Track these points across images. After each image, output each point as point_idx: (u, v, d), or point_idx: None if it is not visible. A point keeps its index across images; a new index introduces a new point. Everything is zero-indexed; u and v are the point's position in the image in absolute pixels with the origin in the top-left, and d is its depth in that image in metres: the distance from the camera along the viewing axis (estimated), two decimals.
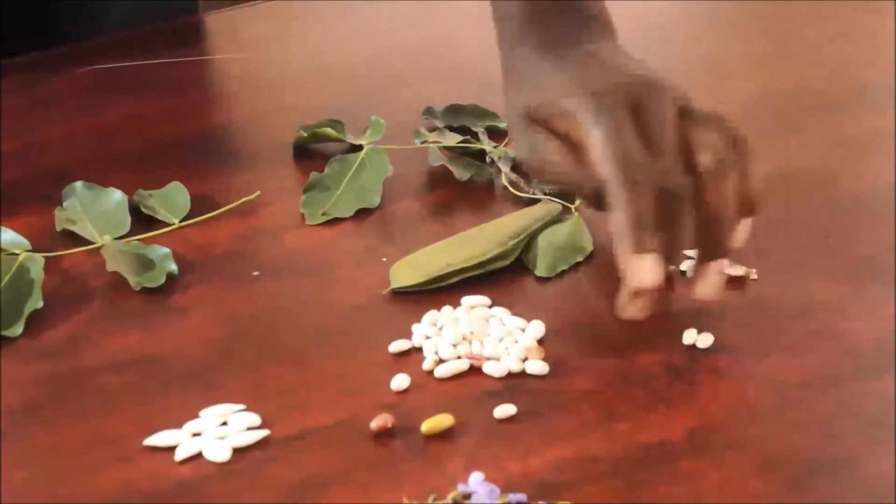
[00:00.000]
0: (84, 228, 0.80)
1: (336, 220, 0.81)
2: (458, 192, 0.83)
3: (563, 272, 0.77)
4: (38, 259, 0.77)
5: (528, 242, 0.78)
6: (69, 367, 0.72)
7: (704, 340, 0.72)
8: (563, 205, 0.80)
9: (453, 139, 0.86)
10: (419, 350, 0.72)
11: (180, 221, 0.81)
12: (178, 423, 0.68)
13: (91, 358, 0.72)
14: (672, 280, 0.71)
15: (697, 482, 0.64)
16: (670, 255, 0.69)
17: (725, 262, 0.70)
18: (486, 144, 0.86)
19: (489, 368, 0.70)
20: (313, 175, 0.83)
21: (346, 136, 0.87)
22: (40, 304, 0.75)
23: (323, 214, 0.82)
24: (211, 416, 0.68)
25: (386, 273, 0.76)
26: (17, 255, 0.77)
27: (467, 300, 0.74)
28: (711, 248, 0.70)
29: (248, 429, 0.67)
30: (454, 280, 0.76)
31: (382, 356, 0.72)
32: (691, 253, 0.75)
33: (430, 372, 0.70)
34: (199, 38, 1.02)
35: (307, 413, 0.68)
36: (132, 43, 0.99)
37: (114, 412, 0.69)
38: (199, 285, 0.77)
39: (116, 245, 0.79)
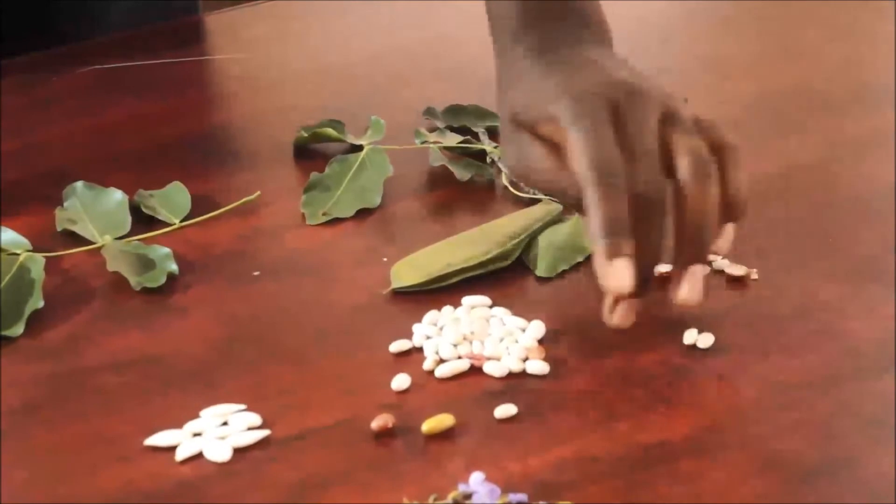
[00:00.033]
0: (85, 228, 0.80)
1: (336, 220, 0.82)
2: (459, 192, 0.83)
3: (564, 272, 0.77)
4: (39, 259, 0.77)
5: (529, 242, 0.78)
6: (69, 367, 0.72)
7: (705, 340, 0.72)
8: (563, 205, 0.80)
9: (454, 139, 0.86)
10: (420, 350, 0.72)
11: (181, 221, 0.81)
12: (178, 423, 0.68)
13: (91, 358, 0.72)
14: (648, 285, 0.70)
15: (698, 482, 0.64)
16: (645, 260, 0.68)
17: (705, 267, 0.69)
18: (487, 145, 0.86)
19: (490, 368, 0.70)
20: (314, 175, 0.83)
21: (347, 136, 0.87)
22: (41, 303, 0.75)
23: (323, 214, 0.82)
24: (211, 415, 0.68)
25: (386, 273, 0.76)
26: (18, 255, 0.77)
27: (468, 300, 0.74)
28: (692, 253, 0.69)
29: (249, 429, 0.67)
30: (455, 280, 0.76)
31: (383, 356, 0.72)
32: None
33: (431, 372, 0.70)
34: (199, 39, 1.02)
35: (307, 413, 0.68)
36: (132, 43, 0.99)
37: (114, 412, 0.69)
38: (200, 285, 0.77)
39: (117, 245, 0.79)
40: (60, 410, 0.69)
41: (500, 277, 0.76)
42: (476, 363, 0.71)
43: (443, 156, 0.84)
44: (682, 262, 0.69)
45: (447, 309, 0.74)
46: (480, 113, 0.88)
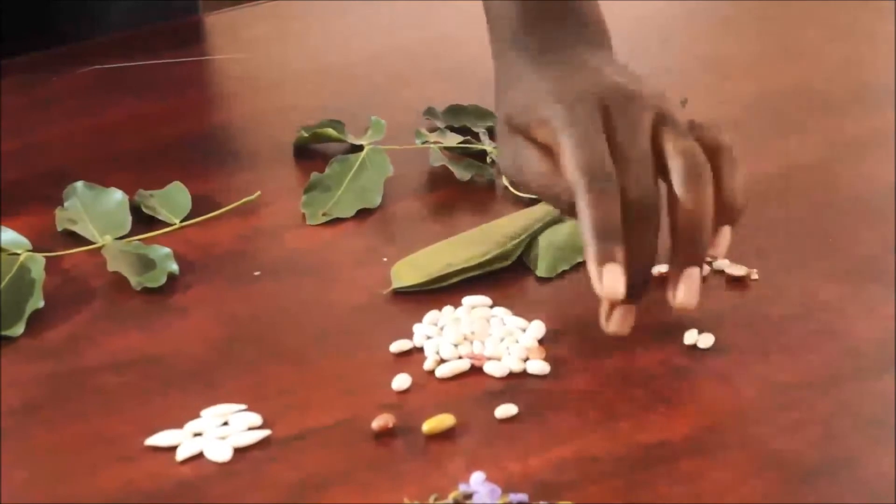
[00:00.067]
0: (85, 228, 0.80)
1: (337, 221, 0.82)
2: (459, 192, 0.83)
3: (564, 272, 0.77)
4: (39, 259, 0.77)
5: (529, 243, 0.78)
6: (70, 367, 0.72)
7: (705, 341, 0.72)
8: None
9: (454, 139, 0.86)
10: (420, 350, 0.72)
11: (181, 221, 0.81)
12: (178, 424, 0.67)
13: (92, 358, 0.72)
14: (644, 290, 0.69)
15: (698, 482, 0.64)
16: (638, 265, 0.68)
17: (700, 269, 0.69)
18: (487, 145, 0.86)
19: (490, 368, 0.70)
20: (314, 175, 0.84)
21: (347, 136, 0.87)
22: (41, 303, 0.75)
23: (324, 214, 0.82)
24: (212, 415, 0.68)
25: (387, 273, 0.76)
26: (19, 254, 0.77)
27: (468, 300, 0.74)
28: (687, 256, 0.69)
29: (249, 429, 0.67)
30: (455, 280, 0.76)
31: (383, 356, 0.72)
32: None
33: (431, 372, 0.70)
34: (199, 39, 1.02)
35: (308, 413, 0.68)
36: (132, 43, 0.99)
37: (114, 412, 0.69)
38: (200, 285, 0.77)
39: (117, 245, 0.79)
40: (61, 410, 0.69)
41: (501, 277, 0.76)
42: (476, 363, 0.71)
43: (443, 156, 0.84)
44: (678, 264, 0.69)
45: (448, 309, 0.74)
46: (481, 113, 0.88)
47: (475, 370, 0.71)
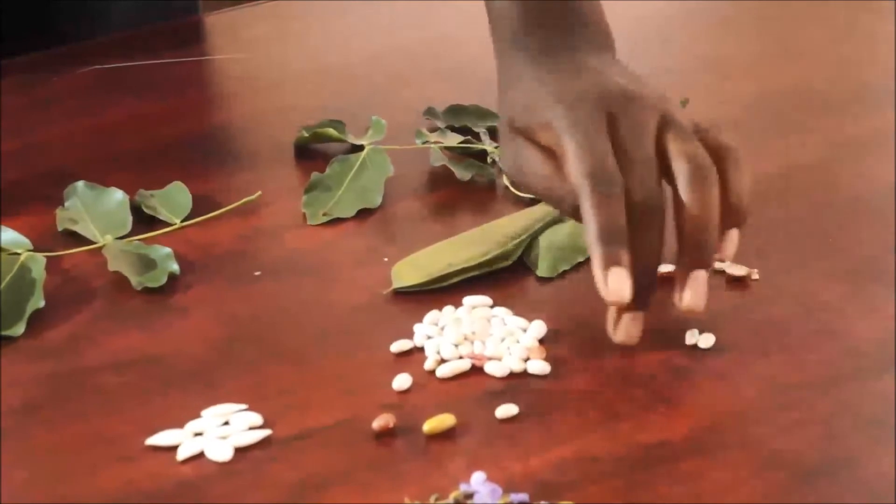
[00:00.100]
0: (86, 228, 0.80)
1: (337, 220, 0.82)
2: (460, 192, 0.83)
3: (565, 272, 0.77)
4: (40, 259, 0.77)
5: (530, 243, 0.78)
6: (70, 367, 0.72)
7: (706, 341, 0.72)
8: None
9: (454, 139, 0.86)
10: (421, 350, 0.72)
11: (182, 221, 0.81)
12: (178, 423, 0.67)
13: (92, 358, 0.72)
14: (650, 295, 0.69)
15: (698, 482, 0.64)
16: (644, 268, 0.68)
17: (707, 272, 0.69)
18: (488, 145, 0.86)
19: (491, 368, 0.70)
20: (315, 175, 0.84)
21: (348, 136, 0.87)
22: (42, 303, 0.75)
23: (324, 214, 0.82)
24: (213, 415, 0.68)
25: (387, 273, 0.76)
26: (19, 254, 0.77)
27: (469, 300, 0.74)
28: (694, 259, 0.69)
29: (250, 428, 0.67)
30: (455, 280, 0.76)
31: (384, 356, 0.72)
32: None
33: (432, 372, 0.70)
34: (199, 39, 1.02)
35: (308, 413, 0.68)
36: (132, 43, 0.99)
37: (114, 412, 0.69)
38: (201, 285, 0.77)
39: (118, 245, 0.79)
40: (61, 410, 0.69)
41: (501, 277, 0.76)
42: (477, 363, 0.71)
43: (444, 156, 0.84)
44: (685, 267, 0.69)
45: (448, 309, 0.74)
46: (481, 113, 0.88)
47: (476, 370, 0.71)
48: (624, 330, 0.69)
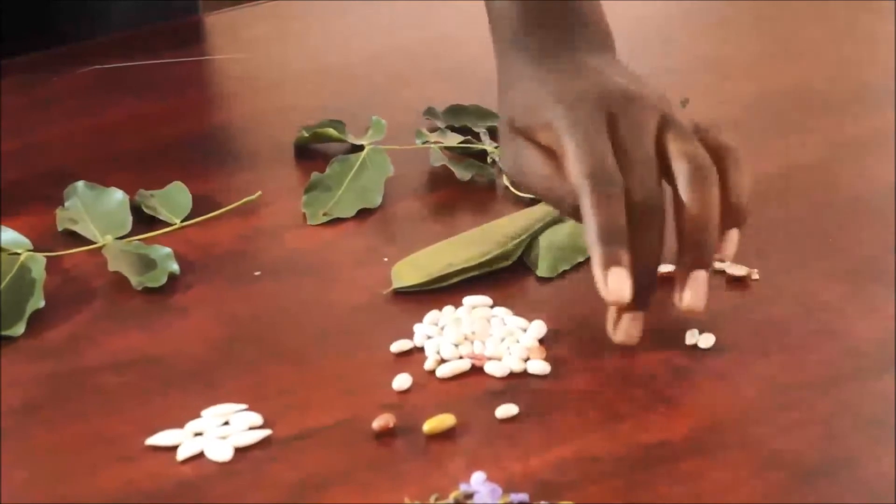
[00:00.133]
0: (86, 228, 0.80)
1: (337, 220, 0.82)
2: (460, 192, 0.83)
3: (565, 272, 0.77)
4: (40, 259, 0.77)
5: (530, 243, 0.78)
6: (70, 367, 0.72)
7: (706, 341, 0.72)
8: None
9: (455, 139, 0.86)
10: (421, 350, 0.72)
11: (182, 221, 0.81)
12: (178, 424, 0.67)
13: (92, 358, 0.72)
14: (650, 295, 0.69)
15: (698, 482, 0.64)
16: (644, 269, 0.68)
17: (707, 272, 0.69)
18: (488, 145, 0.86)
19: (491, 368, 0.70)
20: (315, 175, 0.84)
21: (348, 136, 0.87)
22: (42, 303, 0.75)
23: (324, 214, 0.82)
24: (213, 415, 0.68)
25: (387, 273, 0.76)
26: (19, 254, 0.77)
27: (469, 300, 0.74)
28: (694, 259, 0.69)
29: (250, 428, 0.67)
30: (456, 280, 0.76)
31: (384, 356, 0.72)
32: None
33: (432, 372, 0.70)
34: (199, 39, 1.02)
35: (308, 413, 0.68)
36: (132, 43, 0.99)
37: (114, 412, 0.69)
38: (201, 285, 0.77)
39: (118, 245, 0.79)
40: (61, 410, 0.69)
41: (501, 277, 0.76)
42: (477, 363, 0.71)
43: (444, 156, 0.84)
44: (685, 267, 0.69)
45: (448, 309, 0.74)
46: (481, 113, 0.88)
47: (476, 370, 0.71)
48: (624, 330, 0.69)
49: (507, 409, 0.68)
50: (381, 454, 0.66)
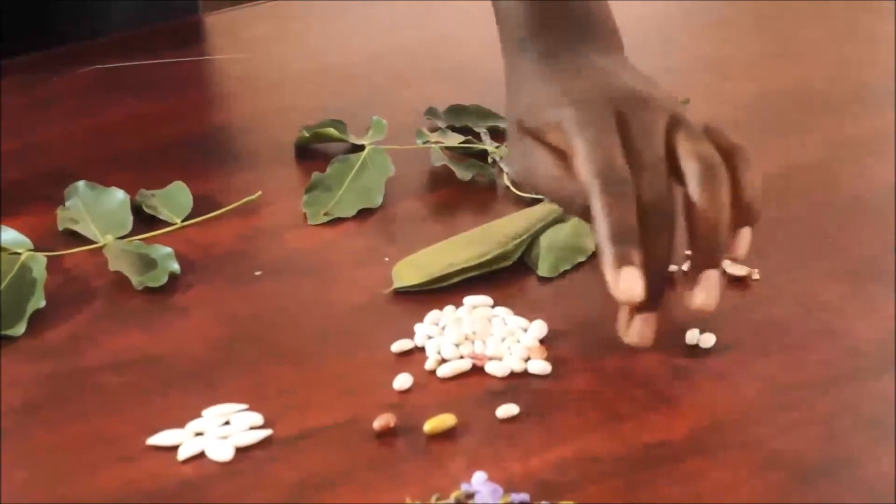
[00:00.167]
0: (86, 228, 0.80)
1: (338, 220, 0.82)
2: (460, 192, 0.83)
3: (565, 272, 0.77)
4: (41, 258, 0.77)
5: (531, 243, 0.78)
6: (70, 367, 0.72)
7: (707, 340, 0.72)
8: None
9: (455, 139, 0.86)
10: (421, 350, 0.72)
11: (182, 221, 0.81)
12: (178, 424, 0.67)
13: (92, 357, 0.72)
14: (661, 296, 0.69)
15: (698, 482, 0.64)
16: (654, 270, 0.68)
17: (718, 271, 0.69)
18: (489, 145, 0.86)
19: (491, 368, 0.70)
20: (315, 175, 0.84)
21: (349, 136, 0.87)
22: (42, 303, 0.75)
23: (325, 214, 0.82)
24: (214, 415, 0.68)
25: (388, 273, 0.76)
26: (20, 254, 0.77)
27: (469, 300, 0.74)
28: (705, 258, 0.69)
29: (251, 428, 0.67)
30: (456, 280, 0.76)
31: (384, 356, 0.72)
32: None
33: (433, 372, 0.71)
34: (199, 39, 1.02)
35: (309, 413, 0.68)
36: (132, 43, 0.99)
37: (115, 412, 0.69)
38: (201, 285, 0.77)
39: (118, 244, 0.79)
40: (61, 410, 0.69)
41: (502, 277, 0.76)
42: (478, 363, 0.71)
43: (444, 156, 0.84)
44: (697, 267, 0.69)
45: (449, 309, 0.74)
46: (482, 113, 0.88)
47: (476, 370, 0.71)
48: (636, 332, 0.69)
49: (507, 409, 0.68)
50: (381, 454, 0.66)
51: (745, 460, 0.65)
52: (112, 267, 0.77)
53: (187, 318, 0.75)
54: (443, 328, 0.73)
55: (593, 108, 0.70)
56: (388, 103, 0.91)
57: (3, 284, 0.76)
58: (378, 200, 0.82)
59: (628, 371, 0.70)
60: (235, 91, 0.96)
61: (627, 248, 0.67)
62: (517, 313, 0.74)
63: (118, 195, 0.82)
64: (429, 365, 0.71)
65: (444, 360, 0.71)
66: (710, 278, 0.68)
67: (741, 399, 0.69)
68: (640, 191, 0.68)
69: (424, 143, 0.86)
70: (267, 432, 0.67)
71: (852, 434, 0.66)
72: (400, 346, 0.72)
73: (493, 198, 0.83)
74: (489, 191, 0.84)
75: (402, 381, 0.70)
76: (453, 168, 0.84)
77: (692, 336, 0.72)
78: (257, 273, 0.78)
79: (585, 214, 0.69)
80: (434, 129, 0.87)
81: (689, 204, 0.69)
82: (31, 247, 0.78)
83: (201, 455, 0.66)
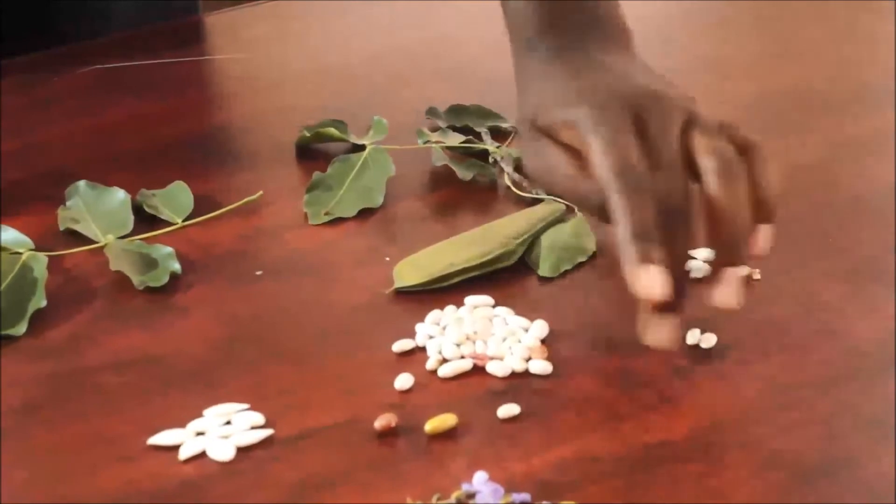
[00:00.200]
0: (87, 228, 0.80)
1: (339, 220, 0.82)
2: (461, 192, 0.83)
3: (566, 272, 0.77)
4: (42, 258, 0.77)
5: (532, 242, 0.78)
6: (71, 367, 0.72)
7: (707, 341, 0.72)
8: (566, 205, 0.81)
9: (456, 139, 0.86)
10: (423, 350, 0.72)
11: (183, 221, 0.81)
12: (178, 424, 0.67)
13: (93, 357, 0.72)
14: (682, 297, 0.69)
15: (699, 482, 0.64)
16: (672, 270, 0.67)
17: (743, 268, 0.68)
18: (489, 145, 0.86)
19: (492, 368, 0.71)
20: (316, 175, 0.84)
21: (349, 135, 0.87)
22: (44, 303, 0.75)
23: (326, 214, 0.82)
24: (215, 414, 0.68)
25: (389, 273, 0.76)
26: (21, 254, 0.77)
27: (471, 300, 0.74)
28: (727, 255, 0.68)
29: (252, 428, 0.68)
30: (457, 280, 0.76)
31: (386, 356, 0.72)
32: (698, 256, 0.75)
33: (434, 371, 0.71)
34: (199, 39, 1.02)
35: (310, 413, 0.68)
36: (132, 43, 0.99)
37: (115, 412, 0.69)
38: (202, 285, 0.77)
39: (119, 244, 0.79)
40: (61, 410, 0.69)
41: (503, 277, 0.76)
42: (479, 363, 0.71)
43: (445, 155, 0.84)
44: (718, 265, 0.68)
45: (450, 308, 0.74)
46: (483, 113, 0.88)
47: (477, 370, 0.71)
48: (656, 333, 0.68)
49: (508, 409, 0.68)
50: (382, 454, 0.66)
51: (745, 460, 0.65)
52: (113, 267, 0.77)
53: (188, 317, 0.75)
54: (444, 328, 0.73)
55: (609, 106, 0.70)
56: (388, 103, 0.91)
57: (4, 284, 0.76)
58: (379, 200, 0.82)
59: (629, 371, 0.70)
60: (235, 91, 0.96)
61: (648, 245, 0.66)
62: (518, 313, 0.74)
63: (119, 195, 0.82)
64: (430, 365, 0.71)
65: (445, 360, 0.71)
66: (733, 276, 0.68)
67: (741, 399, 0.69)
68: (657, 189, 0.68)
69: (425, 142, 0.86)
70: (268, 432, 0.67)
71: (852, 434, 0.67)
72: (401, 345, 0.72)
73: (493, 198, 0.83)
74: (490, 191, 0.84)
75: (403, 380, 0.70)
76: (454, 168, 0.84)
77: (693, 336, 0.72)
78: (258, 273, 0.78)
79: (601, 213, 0.69)
80: (435, 129, 0.87)
81: (706, 201, 0.69)
82: (32, 246, 0.78)
83: (202, 455, 0.66)
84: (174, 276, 0.77)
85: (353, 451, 0.66)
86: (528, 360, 0.71)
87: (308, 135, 0.87)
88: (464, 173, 0.84)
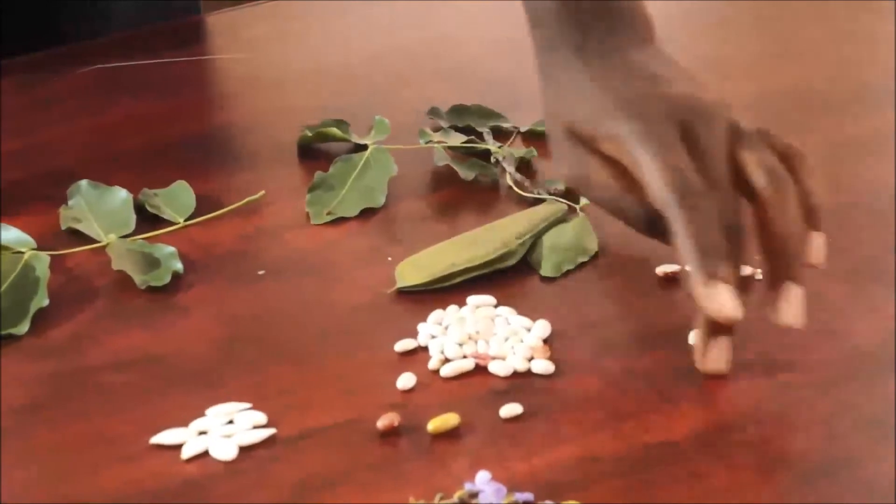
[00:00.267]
0: (89, 227, 0.80)
1: (340, 220, 0.82)
2: (463, 191, 0.83)
3: (568, 272, 0.77)
4: (44, 257, 0.77)
5: (534, 242, 0.78)
6: (73, 366, 0.72)
7: None
8: (568, 205, 0.81)
9: (458, 139, 0.86)
10: (425, 349, 0.72)
11: (185, 221, 0.81)
12: (179, 423, 0.67)
13: (95, 357, 0.72)
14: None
15: (700, 482, 0.64)
16: (738, 286, 0.66)
17: (801, 284, 0.67)
18: (491, 144, 0.86)
19: (495, 368, 0.71)
20: (318, 174, 0.84)
21: (351, 135, 0.87)
22: (46, 302, 0.75)
23: (328, 214, 0.82)
24: (217, 414, 0.68)
25: (391, 272, 0.76)
26: (23, 253, 0.77)
27: (473, 300, 0.74)
28: (783, 269, 0.67)
29: (254, 427, 0.68)
30: (459, 280, 0.76)
31: (388, 355, 0.72)
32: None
33: (436, 371, 0.71)
34: (199, 39, 1.02)
35: (312, 413, 0.68)
36: (132, 43, 0.99)
37: (117, 411, 0.69)
38: (203, 285, 0.77)
39: (122, 244, 0.79)
40: (63, 409, 0.69)
41: (505, 277, 0.77)
42: (481, 363, 0.71)
43: (447, 155, 0.84)
44: (776, 279, 0.67)
45: (452, 308, 0.74)
46: (484, 113, 0.89)
47: (480, 370, 0.71)
48: (714, 358, 0.68)
49: (511, 409, 0.68)
50: (385, 453, 0.66)
51: (745, 460, 0.65)
52: (115, 266, 0.77)
53: (190, 317, 0.75)
54: (446, 328, 0.73)
55: (655, 120, 0.68)
56: (389, 103, 0.91)
57: (7, 283, 0.76)
58: (381, 200, 0.82)
59: (631, 371, 0.70)
60: (236, 91, 0.96)
61: (715, 262, 0.65)
62: (520, 313, 0.74)
63: (121, 194, 0.82)
64: (432, 364, 0.71)
65: (447, 360, 0.71)
66: (795, 293, 0.67)
67: (741, 399, 0.69)
68: (717, 207, 0.66)
69: (427, 142, 0.86)
70: (271, 431, 0.67)
71: (852, 434, 0.67)
72: (403, 345, 0.72)
73: (495, 197, 0.83)
74: (492, 190, 0.84)
75: (406, 380, 0.70)
76: (456, 168, 0.84)
77: (694, 336, 0.72)
78: (260, 272, 0.78)
79: (651, 231, 0.68)
80: (437, 129, 0.87)
81: (759, 217, 0.68)
82: (34, 246, 0.78)
83: (205, 454, 0.66)
84: (176, 276, 0.77)
85: (355, 450, 0.66)
86: (531, 359, 0.71)
87: (310, 134, 0.87)
88: (466, 173, 0.84)
